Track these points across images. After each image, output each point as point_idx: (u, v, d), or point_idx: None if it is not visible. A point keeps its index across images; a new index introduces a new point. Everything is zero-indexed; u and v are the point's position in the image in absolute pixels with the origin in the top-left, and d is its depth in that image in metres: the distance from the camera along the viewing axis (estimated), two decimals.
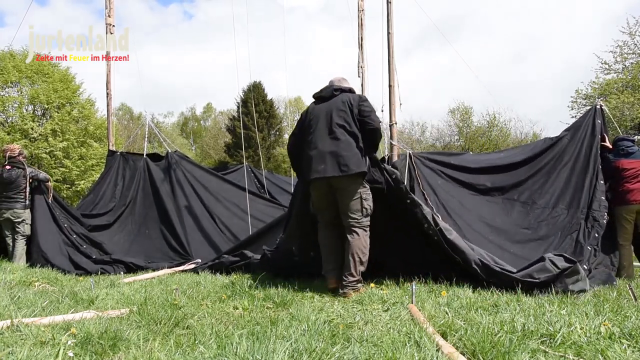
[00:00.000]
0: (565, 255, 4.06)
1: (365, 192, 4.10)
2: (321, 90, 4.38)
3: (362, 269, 4.02)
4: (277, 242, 5.22)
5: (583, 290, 3.80)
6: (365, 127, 4.10)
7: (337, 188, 4.09)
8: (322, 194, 4.19)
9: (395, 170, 4.38)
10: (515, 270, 3.99)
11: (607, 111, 6.15)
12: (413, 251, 4.46)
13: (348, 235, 4.05)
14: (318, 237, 4.35)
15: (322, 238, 4.31)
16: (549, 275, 3.79)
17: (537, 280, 3.79)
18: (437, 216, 4.52)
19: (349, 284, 3.94)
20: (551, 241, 5.52)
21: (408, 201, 4.21)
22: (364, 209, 4.06)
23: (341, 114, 4.11)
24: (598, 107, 6.01)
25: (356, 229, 4.04)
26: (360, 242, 4.02)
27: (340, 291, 3.94)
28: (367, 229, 4.10)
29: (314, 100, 4.41)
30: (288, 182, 9.83)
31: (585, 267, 4.91)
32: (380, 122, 4.53)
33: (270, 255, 5.03)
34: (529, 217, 5.90)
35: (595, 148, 5.79)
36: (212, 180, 8.13)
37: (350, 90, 4.32)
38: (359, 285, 3.99)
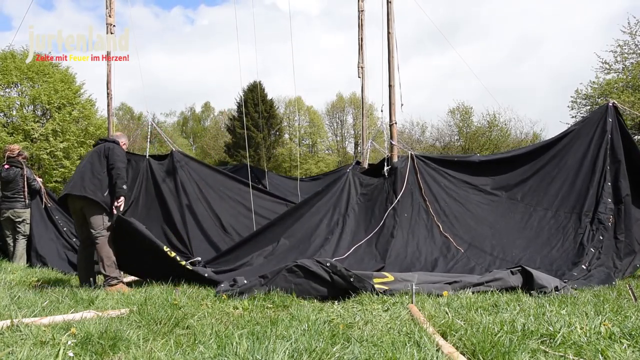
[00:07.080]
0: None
1: (105, 214, 4.77)
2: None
3: (112, 269, 4.66)
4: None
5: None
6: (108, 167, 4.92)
7: (81, 207, 4.78)
8: (74, 210, 4.92)
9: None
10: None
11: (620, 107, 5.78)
12: None
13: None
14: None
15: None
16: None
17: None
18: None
19: (105, 282, 4.63)
20: (553, 244, 5.44)
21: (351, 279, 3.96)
22: (104, 224, 4.74)
23: (94, 155, 4.99)
24: (611, 104, 5.70)
25: (98, 239, 4.71)
26: (103, 248, 4.71)
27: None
28: (106, 237, 4.75)
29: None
30: (289, 183, 9.83)
31: (584, 267, 4.90)
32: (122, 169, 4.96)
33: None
34: (531, 219, 5.81)
35: (604, 148, 5.55)
36: (216, 178, 8.12)
37: (115, 141, 5.16)
38: (115, 282, 4.60)
